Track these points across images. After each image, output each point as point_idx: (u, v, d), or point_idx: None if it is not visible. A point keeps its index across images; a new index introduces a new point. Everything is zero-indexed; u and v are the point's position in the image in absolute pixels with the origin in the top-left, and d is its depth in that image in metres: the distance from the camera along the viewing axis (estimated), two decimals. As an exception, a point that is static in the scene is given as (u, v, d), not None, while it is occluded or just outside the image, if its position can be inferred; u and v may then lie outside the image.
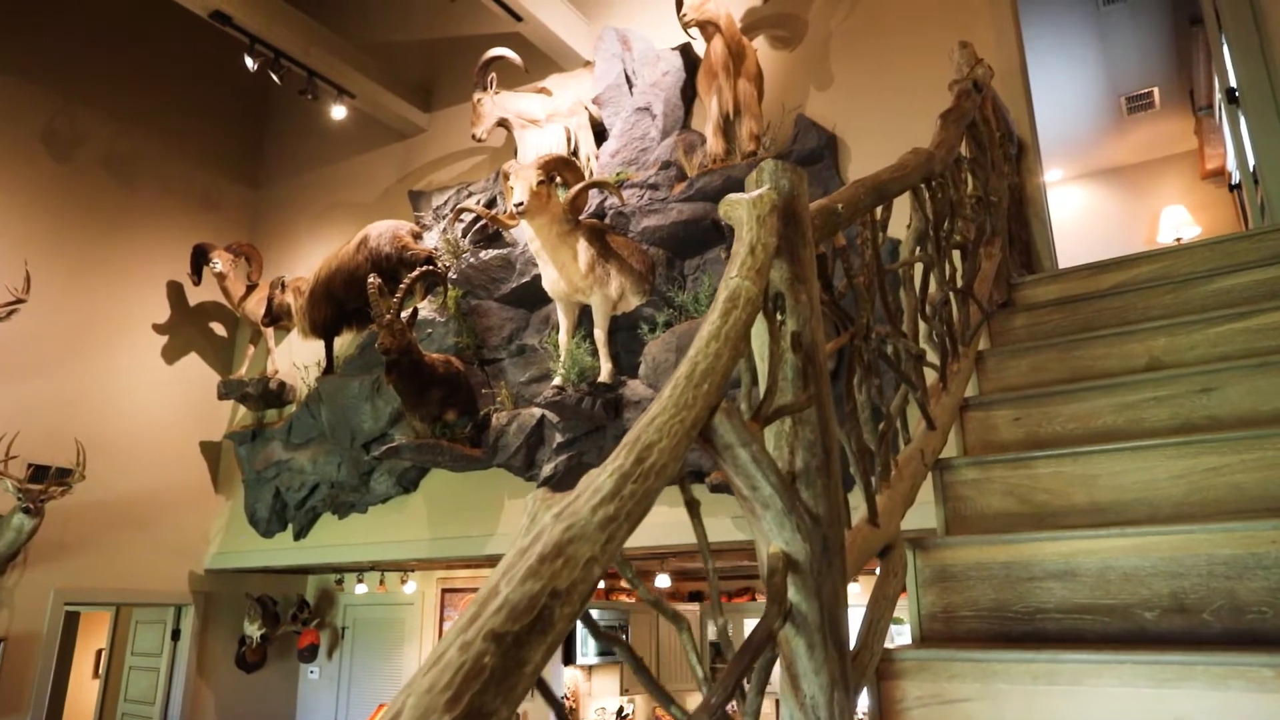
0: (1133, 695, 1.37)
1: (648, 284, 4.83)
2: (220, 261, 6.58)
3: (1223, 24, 4.08)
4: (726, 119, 4.67)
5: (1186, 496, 1.92)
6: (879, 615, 1.59)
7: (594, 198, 5.02)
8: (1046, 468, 2.08)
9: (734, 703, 1.09)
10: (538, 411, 4.98)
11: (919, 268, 2.34)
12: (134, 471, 6.44)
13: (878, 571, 1.79)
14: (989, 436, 2.45)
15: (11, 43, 6.21)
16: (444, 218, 5.84)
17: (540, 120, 5.38)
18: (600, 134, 5.36)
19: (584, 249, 4.68)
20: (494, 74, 5.25)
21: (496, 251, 5.35)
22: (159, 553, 6.51)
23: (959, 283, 2.70)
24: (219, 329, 7.27)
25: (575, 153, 5.30)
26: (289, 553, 6.30)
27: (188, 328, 7.03)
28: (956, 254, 2.97)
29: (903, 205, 2.37)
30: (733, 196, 1.47)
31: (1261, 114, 3.77)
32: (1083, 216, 7.66)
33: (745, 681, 1.15)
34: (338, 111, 6.32)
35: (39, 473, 5.79)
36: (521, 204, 4.40)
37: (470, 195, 5.85)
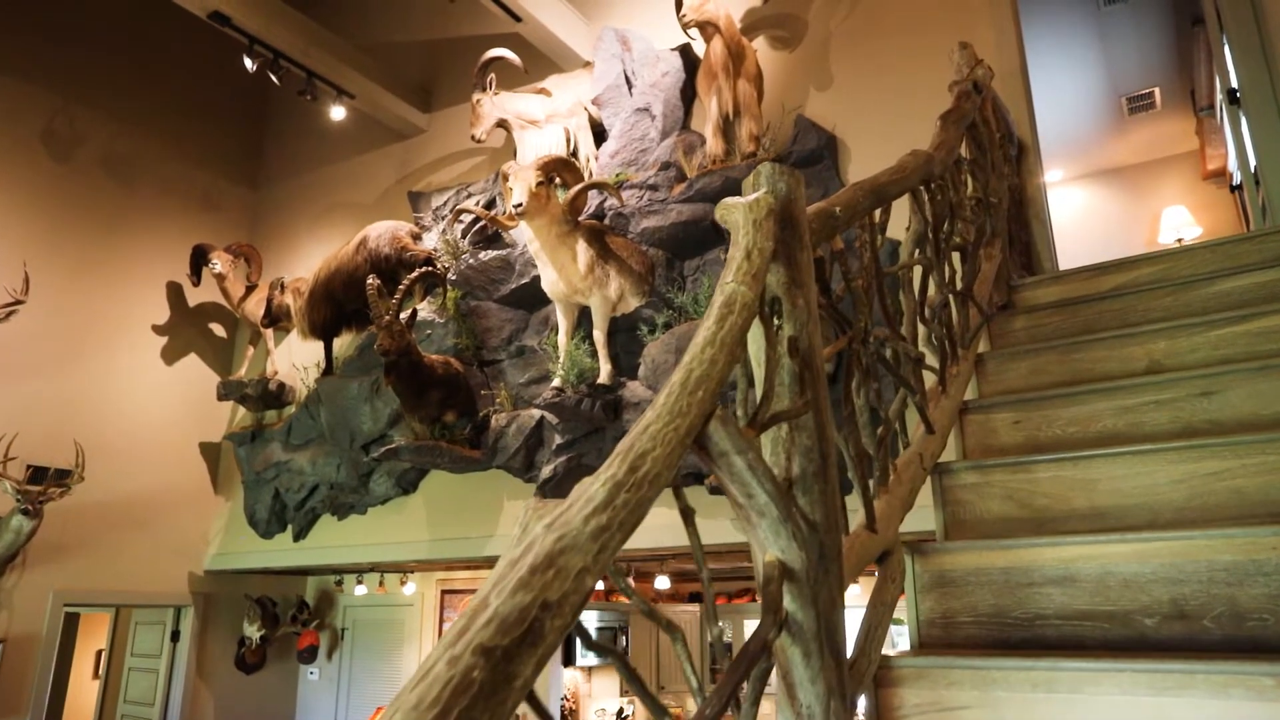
0: (1132, 703, 1.36)
1: (647, 285, 4.82)
2: (219, 262, 6.57)
3: (1224, 24, 4.07)
4: (726, 120, 4.66)
5: (1187, 501, 1.91)
6: (877, 622, 1.58)
7: (593, 199, 5.01)
8: (1046, 472, 2.07)
9: (730, 712, 1.08)
10: (537, 413, 4.97)
11: (918, 270, 2.33)
12: (133, 472, 6.43)
13: (876, 575, 1.78)
14: (988, 440, 2.44)
15: (11, 43, 6.21)
16: (443, 218, 5.83)
17: (540, 121, 5.37)
18: (600, 135, 5.34)
19: (583, 250, 4.67)
20: (493, 75, 5.24)
21: (496, 252, 5.34)
22: (158, 554, 6.50)
23: (958, 285, 2.69)
24: (218, 330, 7.26)
25: (574, 153, 5.29)
26: (288, 554, 6.29)
27: (187, 329, 7.02)
28: (956, 256, 2.96)
29: (902, 206, 2.36)
30: (729, 201, 1.45)
31: (1263, 115, 3.76)
32: (1083, 217, 7.65)
33: (743, 687, 1.14)
34: (337, 112, 6.31)
35: (38, 474, 5.79)
36: (520, 205, 4.40)
37: (470, 196, 5.84)
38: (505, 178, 4.56)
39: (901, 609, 1.94)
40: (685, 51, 5.21)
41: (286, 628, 7.31)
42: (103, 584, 6.16)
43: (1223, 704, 1.30)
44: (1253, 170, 4.22)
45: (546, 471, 4.89)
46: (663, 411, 1.08)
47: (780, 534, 1.22)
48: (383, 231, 5.75)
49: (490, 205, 5.69)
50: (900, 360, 2.08)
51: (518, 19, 5.30)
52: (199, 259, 6.70)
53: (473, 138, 5.26)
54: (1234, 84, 4.06)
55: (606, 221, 4.97)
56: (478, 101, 5.22)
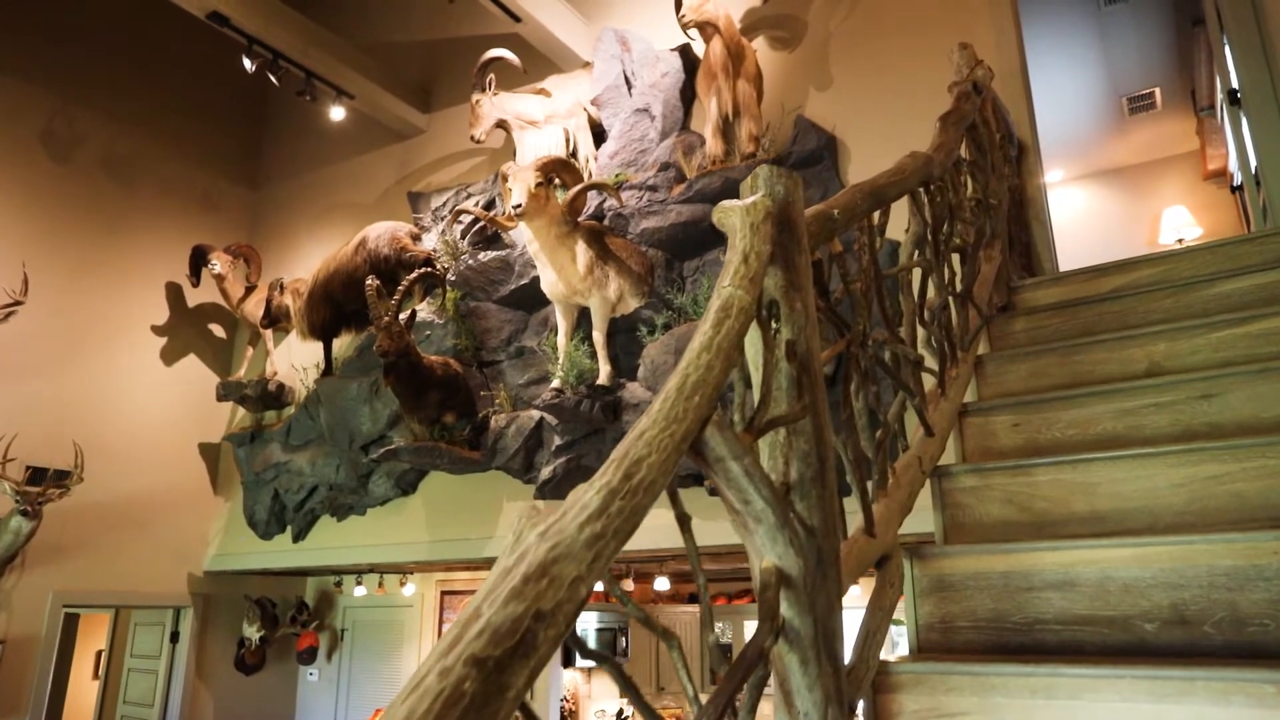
0: (1132, 711, 1.35)
1: (646, 286, 4.82)
2: (219, 263, 6.57)
3: (1224, 25, 4.06)
4: (726, 120, 4.65)
5: (1187, 505, 1.90)
6: (875, 627, 1.57)
7: (593, 199, 5.00)
8: (1046, 475, 2.06)
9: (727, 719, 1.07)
10: (536, 414, 4.96)
11: (917, 272, 2.32)
12: (132, 473, 6.42)
13: (874, 579, 1.77)
14: (988, 443, 2.43)
15: (10, 44, 6.20)
16: (443, 219, 5.83)
17: (539, 121, 5.36)
18: (599, 135, 5.34)
19: (582, 251, 4.66)
20: (492, 75, 5.24)
21: (495, 253, 5.34)
22: (158, 555, 6.49)
23: (958, 287, 2.68)
24: (218, 330, 7.26)
25: (574, 154, 5.29)
26: (288, 555, 6.28)
27: (186, 329, 7.02)
28: (955, 257, 2.95)
29: (901, 207, 2.35)
30: (726, 204, 1.45)
31: (1263, 115, 3.75)
32: (1084, 217, 7.63)
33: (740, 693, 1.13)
34: (336, 112, 6.30)
35: (37, 475, 5.78)
36: (519, 206, 4.39)
37: (469, 197, 5.83)
38: (504, 178, 4.55)
39: (901, 611, 1.93)
40: (685, 52, 5.20)
41: (286, 629, 7.30)
42: (102, 585, 6.16)
43: (1223, 711, 1.29)
44: (1253, 171, 4.21)
45: (546, 473, 4.88)
46: (658, 417, 1.07)
47: (777, 540, 1.21)
48: (382, 232, 5.74)
49: (490, 206, 5.69)
50: (899, 363, 2.07)
51: (517, 19, 5.29)
52: (198, 260, 6.70)
53: (472, 138, 5.25)
54: (1234, 84, 4.05)
55: (606, 222, 4.96)
56: (477, 102, 5.21)
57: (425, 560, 5.79)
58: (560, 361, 4.81)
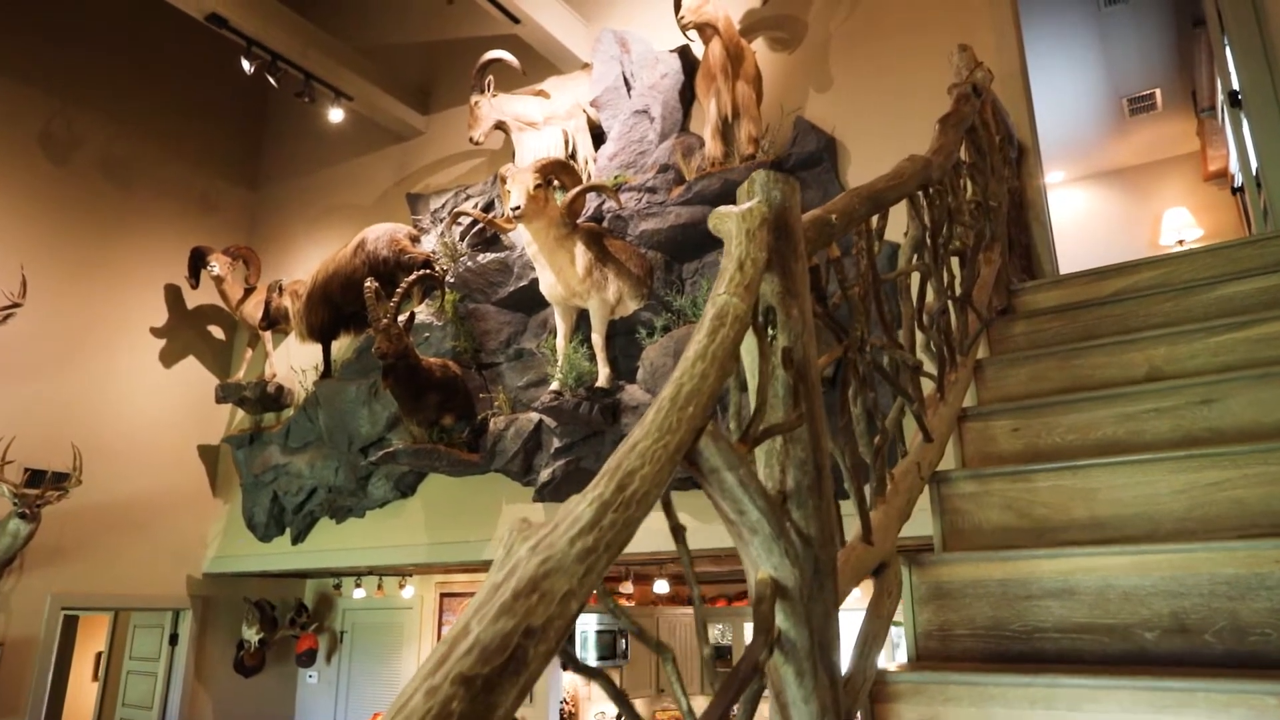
0: (1132, 721, 1.34)
1: (646, 288, 4.80)
2: (218, 264, 6.56)
3: (1225, 26, 4.04)
4: (725, 122, 4.63)
5: (1188, 512, 1.88)
6: (873, 636, 1.56)
7: (592, 201, 4.99)
8: (1045, 481, 2.05)
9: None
10: (535, 416, 4.95)
11: (916, 276, 2.31)
12: (131, 475, 6.42)
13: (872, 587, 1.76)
14: (987, 448, 2.42)
15: (8, 45, 6.19)
16: (442, 221, 5.81)
17: (538, 123, 5.35)
18: (598, 137, 5.32)
19: (581, 253, 4.65)
20: (491, 76, 5.23)
21: (494, 255, 5.33)
22: (157, 557, 6.49)
23: (957, 291, 2.67)
24: (217, 332, 7.25)
25: (573, 156, 5.27)
26: (287, 557, 6.28)
27: (185, 331, 7.01)
28: (955, 260, 2.94)
29: (901, 209, 2.33)
30: (722, 210, 1.43)
31: (1264, 117, 3.73)
32: (1084, 218, 7.62)
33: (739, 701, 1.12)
34: (335, 114, 6.29)
35: (35, 477, 5.78)
36: (518, 208, 4.38)
37: (468, 198, 5.82)
38: (503, 180, 4.54)
39: (900, 614, 1.92)
40: (684, 53, 5.19)
41: (285, 631, 7.29)
42: (101, 587, 6.15)
43: (1224, 722, 1.28)
44: (1254, 173, 4.19)
45: (545, 475, 4.87)
46: (652, 428, 1.06)
47: (773, 551, 1.20)
48: (381, 234, 5.73)
49: (489, 207, 5.67)
50: (898, 368, 2.06)
51: (516, 20, 5.28)
52: (197, 261, 6.69)
53: (471, 140, 5.24)
54: (1235, 86, 4.04)
55: (605, 224, 4.95)
56: (476, 104, 5.20)
57: (424, 562, 5.78)
58: (559, 364, 4.80)
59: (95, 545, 6.14)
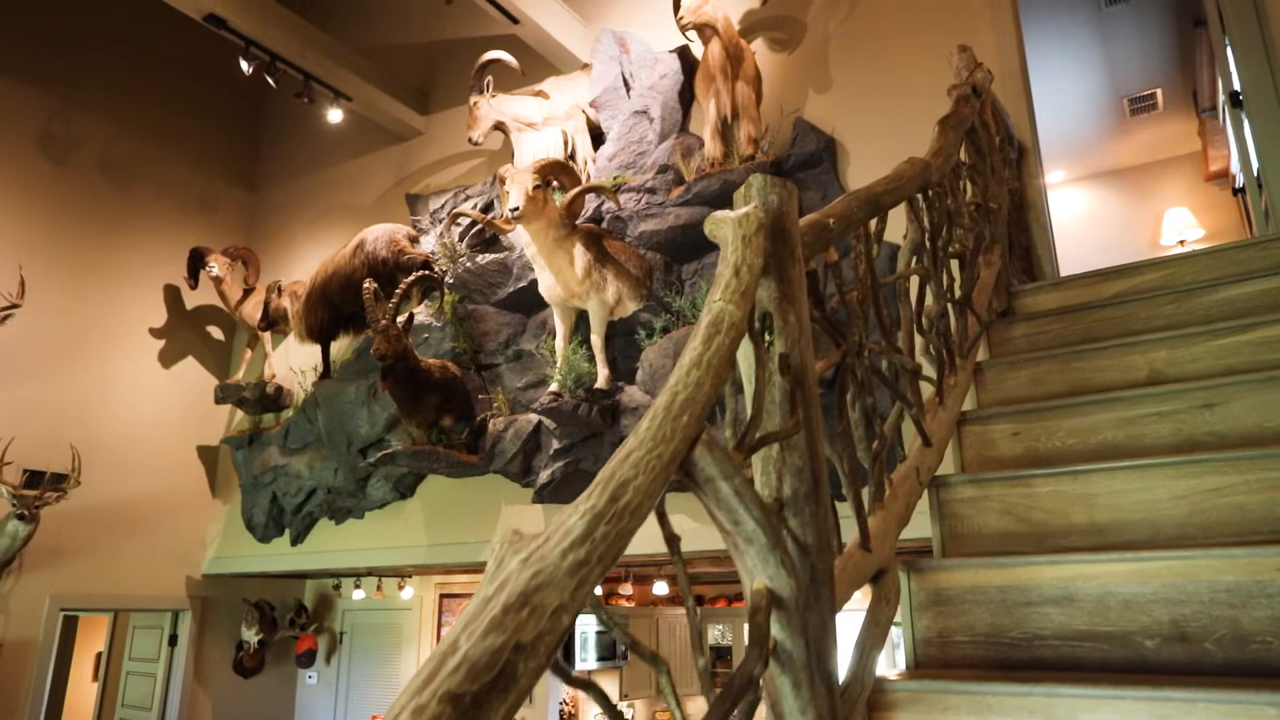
0: (1132, 732, 1.33)
1: (645, 289, 4.79)
2: (217, 265, 6.55)
3: (1226, 27, 4.03)
4: (724, 122, 4.62)
5: (1189, 518, 1.87)
6: (871, 644, 1.55)
7: (591, 202, 4.98)
8: (1045, 486, 2.03)
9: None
10: (534, 417, 4.94)
11: (915, 280, 2.29)
12: (130, 476, 6.41)
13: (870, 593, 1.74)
14: (987, 451, 2.40)
15: (7, 46, 6.18)
16: (441, 221, 5.80)
17: (537, 123, 5.33)
18: (597, 137, 5.31)
19: (580, 254, 4.64)
20: (490, 77, 5.21)
21: (493, 256, 5.32)
22: (156, 558, 6.48)
23: (957, 293, 2.65)
24: (216, 333, 7.24)
25: (572, 156, 5.26)
26: (286, 558, 6.27)
27: (184, 332, 7.00)
28: (954, 263, 2.92)
29: (901, 210, 2.32)
30: (718, 215, 1.42)
31: (1265, 118, 3.72)
32: (1085, 219, 7.60)
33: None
34: (334, 114, 6.28)
35: (34, 478, 5.77)
36: (517, 209, 4.36)
37: (467, 199, 5.81)
38: (502, 181, 4.53)
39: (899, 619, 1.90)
40: (684, 53, 5.17)
41: (285, 632, 7.29)
42: (100, 588, 6.14)
43: (1225, 733, 1.26)
44: (1255, 174, 4.17)
45: (544, 476, 4.86)
46: (645, 438, 1.04)
47: (769, 561, 1.19)
48: (380, 234, 5.72)
49: (488, 208, 5.66)
50: (897, 372, 2.04)
51: (515, 21, 5.26)
52: (196, 262, 6.69)
53: (470, 140, 5.23)
54: (1236, 86, 4.02)
55: (604, 225, 4.93)
56: (475, 104, 5.19)
57: (424, 563, 5.77)
58: (558, 365, 4.79)
59: (94, 546, 6.13)
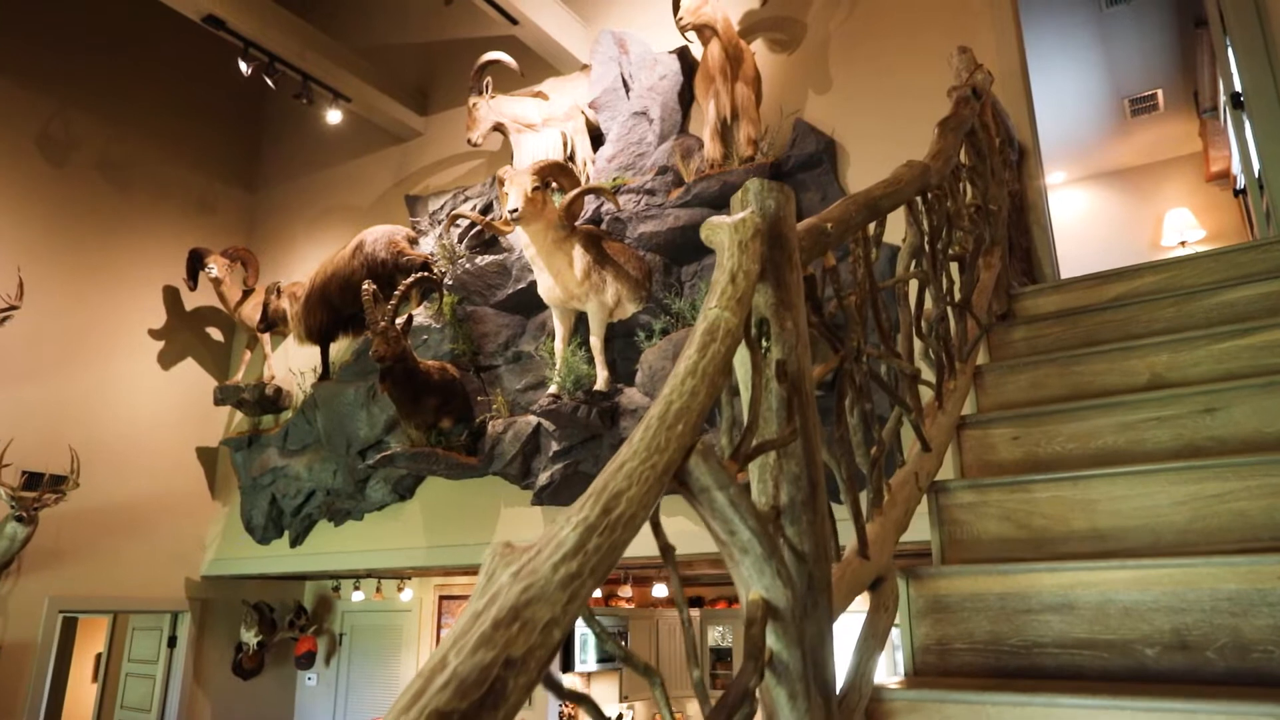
0: (1132, 742, 1.32)
1: (644, 291, 4.78)
2: (216, 266, 6.55)
3: (1227, 28, 4.01)
4: (724, 123, 4.60)
5: (1189, 524, 1.86)
6: (869, 653, 1.53)
7: (590, 203, 4.96)
8: (1045, 492, 2.02)
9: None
10: (533, 419, 4.93)
11: (914, 283, 2.28)
12: (129, 478, 6.40)
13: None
14: (987, 456, 2.39)
15: (7, 47, 6.18)
16: (440, 222, 5.79)
17: (536, 125, 5.32)
18: (597, 138, 5.30)
19: (579, 255, 4.63)
20: (489, 78, 5.20)
21: (493, 257, 5.30)
22: (155, 559, 6.47)
23: (956, 296, 2.64)
24: (215, 334, 7.23)
25: (571, 157, 5.25)
26: (285, 560, 6.26)
27: (184, 333, 6.99)
28: (954, 266, 2.91)
29: (900, 212, 2.31)
30: (714, 220, 1.41)
31: (1267, 119, 3.70)
32: (1086, 219, 7.59)
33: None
34: (333, 115, 6.27)
35: (33, 480, 5.76)
36: (516, 210, 4.35)
37: (466, 200, 5.79)
38: (501, 182, 4.52)
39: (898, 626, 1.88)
40: (683, 54, 5.15)
41: (284, 633, 7.28)
42: (99, 590, 6.14)
43: (1226, 744, 1.25)
44: (1256, 175, 4.16)
45: (543, 478, 4.84)
46: (639, 448, 1.03)
47: (764, 572, 1.18)
48: (379, 236, 5.71)
49: (487, 209, 5.65)
50: (896, 377, 2.03)
51: (514, 22, 5.25)
52: (195, 263, 6.68)
53: (469, 141, 5.21)
54: (1238, 87, 4.00)
55: (603, 226, 4.92)
56: (474, 105, 5.18)
57: (423, 565, 5.76)
58: (557, 367, 4.78)
59: (93, 548, 6.12)
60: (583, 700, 1.01)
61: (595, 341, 4.74)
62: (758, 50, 5.03)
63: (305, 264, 6.74)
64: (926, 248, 2.32)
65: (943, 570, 1.81)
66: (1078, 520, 1.97)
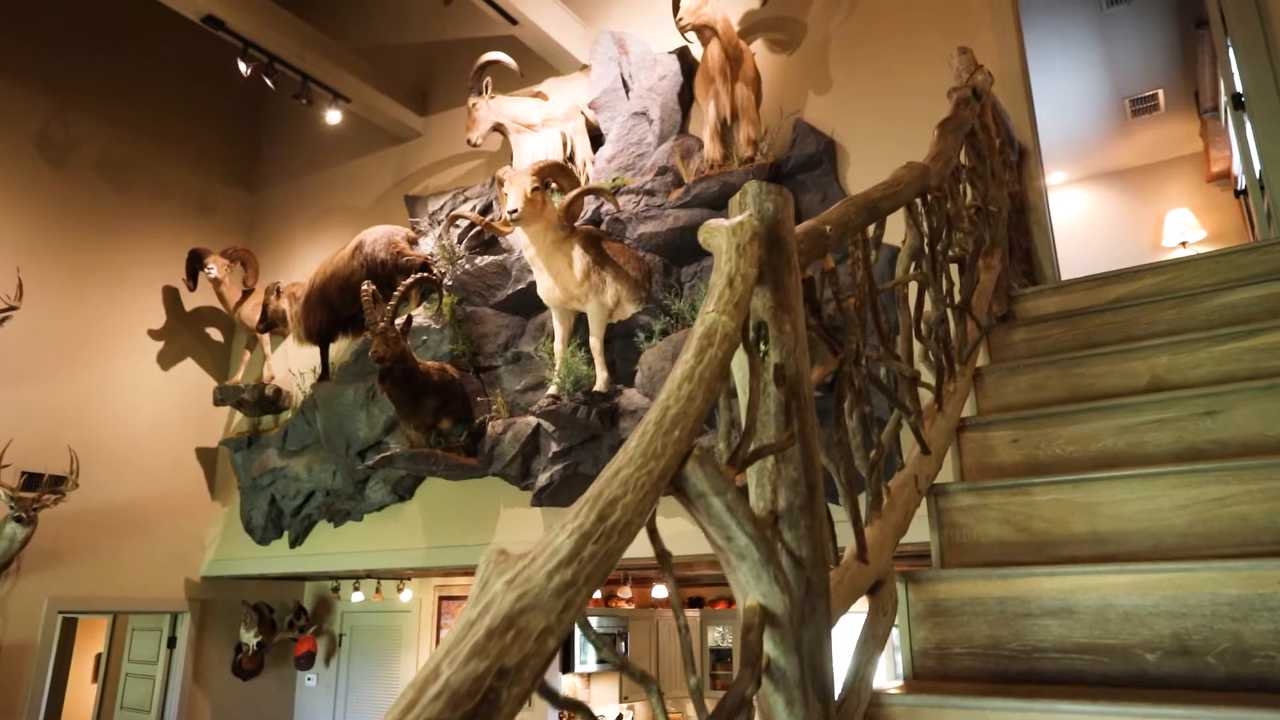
0: (1132, 749, 1.31)
1: (644, 291, 4.77)
2: (216, 267, 6.54)
3: (1228, 28, 4.00)
4: (724, 124, 4.60)
5: (1190, 528, 1.85)
6: (867, 657, 1.53)
7: (590, 204, 4.95)
8: (1045, 495, 2.01)
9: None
10: (533, 420, 4.92)
11: (914, 285, 2.27)
12: (129, 478, 6.39)
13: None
14: (987, 459, 2.38)
15: (6, 47, 6.17)
16: (440, 223, 5.78)
17: (536, 125, 5.31)
18: (596, 139, 5.29)
19: (579, 256, 4.62)
20: (489, 78, 5.19)
21: (492, 258, 5.30)
22: (155, 560, 6.47)
23: (956, 298, 2.63)
24: (215, 334, 7.23)
25: (571, 158, 5.24)
26: (285, 560, 6.25)
27: (183, 333, 6.99)
28: (954, 267, 2.90)
29: (899, 213, 2.30)
30: (712, 223, 1.40)
31: (1268, 120, 3.69)
32: (1086, 220, 7.58)
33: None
34: (333, 116, 6.26)
35: (32, 480, 5.75)
36: (515, 211, 4.34)
37: (466, 200, 5.79)
38: (500, 183, 4.51)
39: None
40: (683, 54, 5.14)
41: (284, 634, 7.27)
42: (99, 591, 6.13)
43: (1226, 751, 1.24)
44: (1258, 176, 4.15)
45: (543, 479, 4.84)
46: (635, 454, 1.02)
47: (762, 578, 1.17)
48: (379, 236, 5.70)
49: (487, 209, 5.64)
50: (895, 380, 2.02)
51: (514, 22, 5.24)
52: (195, 263, 6.67)
53: (468, 142, 5.21)
54: (1239, 88, 3.99)
55: (603, 227, 4.91)
56: (473, 106, 5.17)
57: (422, 566, 5.75)
58: (557, 368, 4.77)
59: (93, 548, 6.12)
60: (578, 708, 1.01)
61: (595, 342, 4.73)
62: (758, 50, 5.02)
63: (305, 264, 6.74)
64: (926, 249, 2.31)
65: (941, 574, 1.81)
66: (1078, 524, 1.96)
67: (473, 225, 5.37)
